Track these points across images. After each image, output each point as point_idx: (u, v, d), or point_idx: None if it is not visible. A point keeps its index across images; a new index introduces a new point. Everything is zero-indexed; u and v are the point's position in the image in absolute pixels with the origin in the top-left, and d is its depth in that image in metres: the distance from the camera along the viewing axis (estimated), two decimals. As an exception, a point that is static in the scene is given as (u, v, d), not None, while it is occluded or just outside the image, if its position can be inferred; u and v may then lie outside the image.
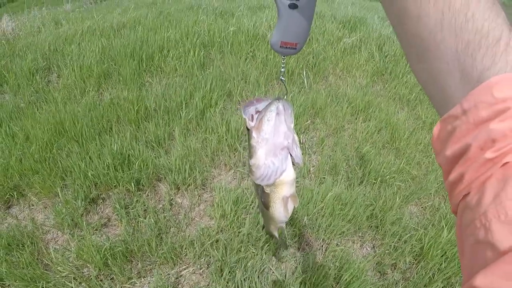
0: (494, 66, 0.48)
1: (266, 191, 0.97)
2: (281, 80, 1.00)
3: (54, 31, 6.05)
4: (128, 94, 4.19)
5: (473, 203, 0.48)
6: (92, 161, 3.27)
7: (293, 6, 0.80)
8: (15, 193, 3.17)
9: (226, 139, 3.62)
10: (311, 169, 3.55)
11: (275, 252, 2.77)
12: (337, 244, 2.92)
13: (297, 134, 3.70)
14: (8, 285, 2.55)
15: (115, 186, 3.17)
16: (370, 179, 3.45)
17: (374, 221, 3.11)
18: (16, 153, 3.41)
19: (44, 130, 3.63)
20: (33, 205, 3.16)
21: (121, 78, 4.62)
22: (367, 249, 2.99)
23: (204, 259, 2.72)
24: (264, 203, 1.01)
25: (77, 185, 3.13)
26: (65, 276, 2.58)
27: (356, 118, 4.33)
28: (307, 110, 4.19)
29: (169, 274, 2.64)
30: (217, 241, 2.78)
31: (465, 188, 0.50)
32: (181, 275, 2.65)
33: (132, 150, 3.40)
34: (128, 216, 2.97)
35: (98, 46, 5.22)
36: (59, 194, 3.08)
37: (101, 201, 3.15)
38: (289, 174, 0.93)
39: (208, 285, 2.59)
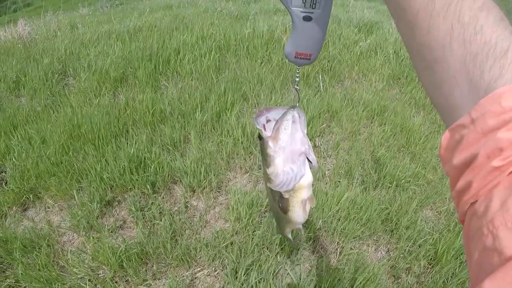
0: (501, 78, 0.49)
1: (285, 197, 0.98)
2: (296, 89, 1.02)
3: (70, 35, 6.10)
4: (144, 97, 4.21)
5: (480, 211, 0.48)
6: (108, 164, 3.29)
7: (307, 19, 0.82)
8: (31, 196, 3.20)
9: (241, 142, 3.63)
10: (327, 172, 3.54)
11: (289, 254, 2.77)
12: (351, 248, 2.91)
13: (313, 137, 3.73)
14: (25, 287, 2.58)
15: (130, 188, 3.19)
16: (385, 183, 3.43)
17: (389, 225, 3.09)
18: (33, 156, 3.45)
19: (60, 133, 3.67)
20: (49, 208, 3.18)
21: (137, 81, 4.65)
22: (381, 252, 2.98)
23: (218, 261, 2.72)
24: (283, 208, 1.02)
25: (93, 187, 3.15)
26: (80, 278, 2.60)
27: (371, 122, 4.31)
28: (323, 113, 4.19)
29: (184, 276, 2.64)
30: (231, 243, 2.78)
31: (472, 196, 0.51)
32: (196, 277, 2.66)
33: (148, 153, 3.42)
34: (143, 218, 2.99)
35: (114, 49, 5.27)
36: (75, 196, 3.11)
37: (117, 203, 3.17)
38: (308, 178, 0.95)
39: (222, 287, 2.59)
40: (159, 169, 3.31)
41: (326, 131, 4.05)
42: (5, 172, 3.42)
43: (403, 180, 3.46)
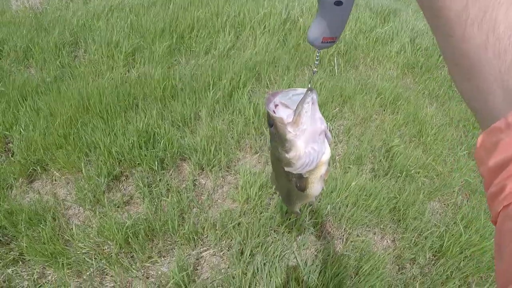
0: None
1: (305, 176, 1.00)
2: (314, 72, 1.04)
3: (83, 7, 6.05)
4: (156, 72, 4.18)
5: None
6: (117, 138, 3.27)
7: (338, 3, 0.82)
8: (38, 167, 3.18)
9: (252, 122, 3.60)
10: (337, 157, 3.51)
11: (296, 238, 2.76)
12: (358, 235, 2.90)
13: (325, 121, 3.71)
14: (29, 260, 2.57)
15: (138, 164, 3.17)
16: (395, 172, 3.41)
17: (397, 214, 3.08)
18: (40, 127, 3.42)
19: (69, 106, 3.63)
20: (55, 180, 3.16)
21: (149, 55, 4.61)
22: (387, 241, 2.97)
23: (225, 242, 2.71)
24: (301, 187, 1.04)
25: (101, 161, 3.13)
26: (85, 253, 2.59)
27: (384, 110, 4.27)
28: (336, 97, 4.16)
29: (189, 255, 2.64)
30: (239, 224, 2.77)
31: (505, 198, 0.50)
32: (201, 256, 2.65)
33: (157, 129, 3.39)
34: (150, 194, 2.96)
35: (127, 22, 5.21)
36: (82, 170, 3.08)
37: (124, 178, 3.15)
38: (327, 154, 0.98)
39: (228, 267, 2.58)
40: (168, 145, 3.28)
41: (338, 116, 4.01)
42: (12, 143, 3.39)
43: (413, 171, 3.44)
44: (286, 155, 0.94)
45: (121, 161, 3.18)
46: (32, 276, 2.49)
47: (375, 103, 4.27)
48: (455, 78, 0.62)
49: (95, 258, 2.55)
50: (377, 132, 3.88)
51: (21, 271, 2.54)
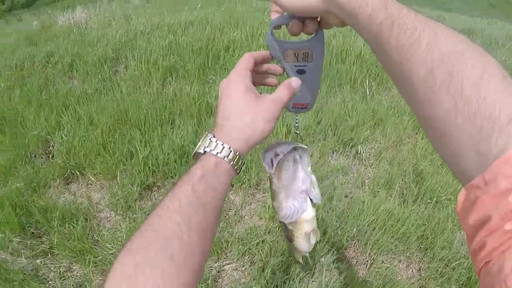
0: (509, 144, 0.49)
1: (289, 228, 1.04)
2: (296, 133, 1.06)
3: (125, 25, 6.26)
4: (192, 89, 4.28)
5: (494, 271, 0.49)
6: (153, 150, 3.37)
7: (301, 72, 0.85)
8: (76, 171, 3.32)
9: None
10: (366, 181, 3.50)
11: (319, 260, 2.74)
12: (382, 261, 2.85)
13: (355, 144, 3.67)
14: (57, 254, 2.69)
15: (171, 176, 3.24)
16: (425, 198, 3.34)
17: (424, 242, 3.00)
18: (81, 134, 3.58)
19: (109, 116, 3.79)
20: (91, 184, 3.30)
21: (186, 73, 4.73)
22: (412, 270, 2.89)
23: (248, 257, 2.73)
24: (288, 237, 1.08)
25: (135, 171, 3.23)
26: (112, 254, 2.67)
27: (416, 133, 4.22)
28: (367, 120, 4.15)
29: (211, 267, 2.67)
30: (263, 241, 2.78)
31: (486, 255, 0.51)
32: (223, 270, 2.68)
33: (193, 145, 3.46)
34: (180, 206, 3.01)
35: (166, 41, 5.38)
36: (117, 177, 3.20)
37: (156, 188, 3.23)
38: (309, 213, 1.00)
39: (248, 282, 2.59)
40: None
41: (369, 139, 4.01)
42: (53, 147, 3.55)
43: (444, 197, 3.36)
44: (273, 202, 0.99)
45: (154, 171, 3.27)
46: (59, 268, 2.61)
47: (408, 126, 4.23)
48: (429, 137, 0.63)
49: (122, 260, 2.62)
50: (408, 156, 3.83)
51: (49, 263, 2.66)
